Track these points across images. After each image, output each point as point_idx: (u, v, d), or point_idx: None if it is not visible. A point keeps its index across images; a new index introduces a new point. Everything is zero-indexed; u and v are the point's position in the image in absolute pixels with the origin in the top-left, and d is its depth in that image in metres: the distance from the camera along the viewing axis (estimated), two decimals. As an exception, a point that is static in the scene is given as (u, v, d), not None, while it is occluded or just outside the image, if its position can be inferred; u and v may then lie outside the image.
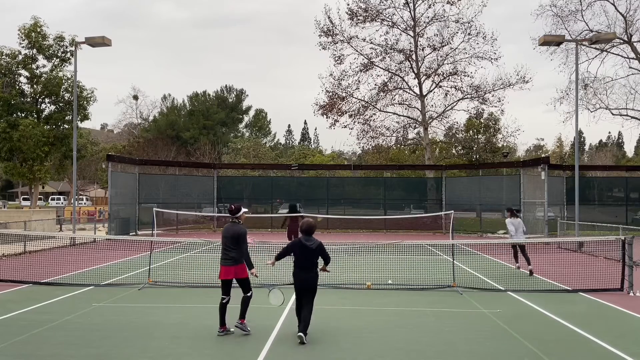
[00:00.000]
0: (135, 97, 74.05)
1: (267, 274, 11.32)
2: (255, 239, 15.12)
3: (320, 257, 8.32)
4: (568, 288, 12.64)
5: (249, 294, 8.40)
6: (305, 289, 8.17)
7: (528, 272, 14.45)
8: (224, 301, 8.35)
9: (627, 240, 12.39)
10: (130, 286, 12.49)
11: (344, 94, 39.92)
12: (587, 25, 35.46)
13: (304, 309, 8.14)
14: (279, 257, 8.48)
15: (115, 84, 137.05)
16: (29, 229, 21.75)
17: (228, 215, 8.72)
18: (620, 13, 34.69)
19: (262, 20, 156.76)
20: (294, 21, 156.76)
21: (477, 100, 39.58)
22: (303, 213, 20.53)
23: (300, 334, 7.89)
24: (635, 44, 34.77)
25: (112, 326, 8.90)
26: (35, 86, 32.54)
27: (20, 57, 32.13)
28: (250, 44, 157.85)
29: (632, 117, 37.50)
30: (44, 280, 13.18)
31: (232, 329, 8.38)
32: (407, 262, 15.43)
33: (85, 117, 33.03)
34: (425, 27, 38.66)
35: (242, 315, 8.35)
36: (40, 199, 58.68)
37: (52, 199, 73.87)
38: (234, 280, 8.38)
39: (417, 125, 40.72)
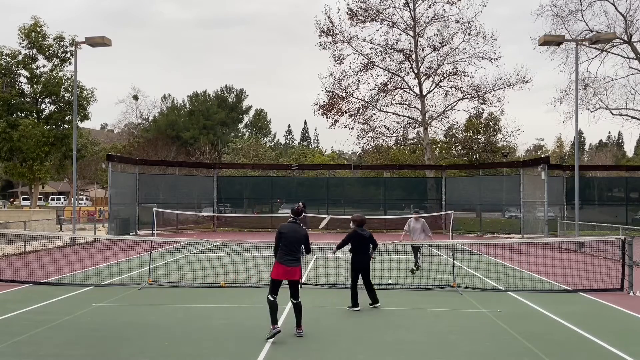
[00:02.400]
0: (135, 97, 74.15)
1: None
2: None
3: (370, 244, 10.33)
4: (568, 288, 12.64)
5: (300, 300, 8.49)
6: (362, 268, 10.27)
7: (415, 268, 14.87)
8: (276, 300, 8.28)
9: (627, 240, 12.40)
10: (130, 286, 12.50)
11: (344, 94, 39.85)
12: (587, 25, 35.43)
13: (365, 287, 10.28)
14: (339, 246, 10.52)
15: (115, 84, 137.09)
16: (29, 229, 21.75)
17: (289, 215, 8.85)
18: (620, 13, 34.70)
19: (263, 20, 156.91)
20: (294, 22, 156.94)
21: (477, 100, 39.51)
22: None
23: (376, 305, 10.29)
24: (635, 44, 34.74)
25: (112, 326, 8.90)
26: (35, 86, 32.53)
27: (20, 57, 32.15)
28: (250, 44, 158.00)
29: (632, 117, 37.46)
30: (44, 280, 13.18)
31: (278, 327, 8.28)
32: (407, 262, 15.42)
33: (85, 117, 33.06)
34: (425, 27, 38.59)
35: (300, 323, 8.46)
36: (40, 199, 58.69)
37: (52, 199, 73.90)
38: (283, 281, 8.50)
39: (417, 125, 40.67)
